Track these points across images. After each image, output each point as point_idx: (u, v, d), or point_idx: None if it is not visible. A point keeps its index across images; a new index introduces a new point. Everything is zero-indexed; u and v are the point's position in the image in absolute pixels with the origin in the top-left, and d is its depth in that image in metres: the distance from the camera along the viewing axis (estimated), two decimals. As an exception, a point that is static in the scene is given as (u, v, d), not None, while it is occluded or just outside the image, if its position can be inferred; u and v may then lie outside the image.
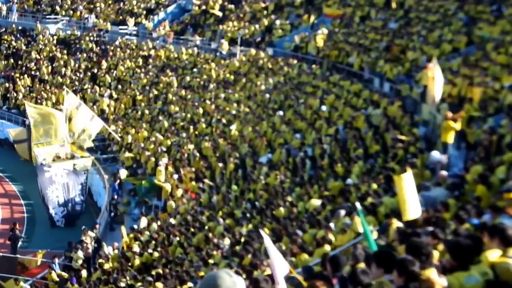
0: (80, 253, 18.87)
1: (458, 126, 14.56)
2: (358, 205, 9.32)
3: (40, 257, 19.46)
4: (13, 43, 41.87)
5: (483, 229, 6.10)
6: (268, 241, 7.80)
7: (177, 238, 16.88)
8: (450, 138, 14.72)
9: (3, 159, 30.60)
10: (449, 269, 5.59)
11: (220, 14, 36.96)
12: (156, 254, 16.38)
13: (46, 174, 22.99)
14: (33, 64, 39.20)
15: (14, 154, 30.36)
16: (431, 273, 5.28)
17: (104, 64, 36.74)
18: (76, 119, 25.27)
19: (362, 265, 6.81)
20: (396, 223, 9.86)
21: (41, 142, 25.97)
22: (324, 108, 21.40)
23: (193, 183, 21.34)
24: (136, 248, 17.59)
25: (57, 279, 17.72)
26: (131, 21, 40.30)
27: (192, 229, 17.20)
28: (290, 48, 30.15)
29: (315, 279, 6.24)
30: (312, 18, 31.45)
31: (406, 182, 8.31)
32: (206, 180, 20.79)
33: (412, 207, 8.39)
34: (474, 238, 5.55)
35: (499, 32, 20.54)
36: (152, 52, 36.18)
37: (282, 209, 15.52)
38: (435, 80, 15.71)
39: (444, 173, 12.72)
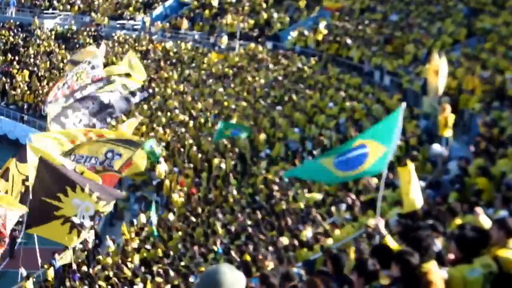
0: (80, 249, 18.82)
1: (451, 119, 14.45)
2: None
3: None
4: (11, 38, 41.72)
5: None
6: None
7: (178, 233, 16.84)
8: (447, 131, 14.62)
9: (3, 156, 30.45)
10: (452, 262, 5.54)
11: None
12: (156, 250, 16.33)
13: None
14: (31, 59, 39.06)
15: (13, 151, 30.19)
16: (431, 266, 5.25)
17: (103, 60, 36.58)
18: None
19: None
20: None
21: None
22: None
23: (190, 178, 21.20)
24: (135, 243, 17.54)
25: (53, 276, 17.64)
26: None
27: (191, 224, 17.16)
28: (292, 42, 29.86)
29: (315, 276, 6.22)
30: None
31: (411, 174, 8.30)
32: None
33: (415, 199, 8.38)
34: (480, 231, 5.51)
35: (501, 24, 20.41)
36: (151, 46, 36.05)
37: (282, 204, 15.44)
38: (439, 73, 15.55)
39: None
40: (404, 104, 8.18)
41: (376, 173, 8.11)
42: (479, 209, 7.57)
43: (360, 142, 7.95)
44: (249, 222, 15.27)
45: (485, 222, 7.08)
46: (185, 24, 37.19)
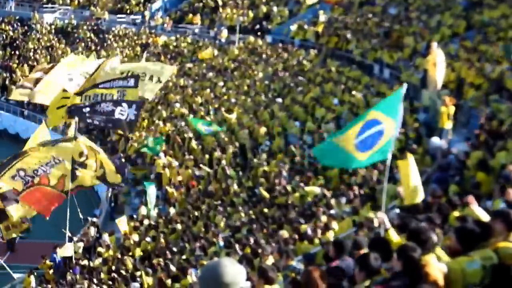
0: (80, 243, 18.86)
1: (451, 111, 14.52)
2: None
3: None
4: (10, 32, 41.64)
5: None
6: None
7: (178, 227, 16.87)
8: (448, 123, 14.68)
9: (2, 150, 30.50)
10: (452, 254, 5.56)
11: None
12: (155, 243, 16.37)
13: None
14: (31, 53, 39.00)
15: (13, 146, 30.21)
16: (430, 258, 5.27)
17: (103, 53, 36.55)
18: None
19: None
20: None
21: None
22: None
23: (189, 171, 21.20)
24: (135, 237, 17.58)
25: (53, 270, 17.69)
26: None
27: (192, 218, 17.19)
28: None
29: (311, 267, 6.25)
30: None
31: (411, 166, 8.32)
32: (202, 166, 20.67)
33: (416, 192, 8.40)
34: (481, 224, 5.52)
35: (499, 16, 20.39)
36: (151, 40, 36.01)
37: (282, 197, 15.48)
38: (437, 66, 15.57)
39: None
40: (405, 85, 8.30)
41: (386, 154, 8.01)
42: (471, 198, 7.55)
43: (373, 115, 8.00)
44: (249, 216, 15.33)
45: (480, 213, 7.11)
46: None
